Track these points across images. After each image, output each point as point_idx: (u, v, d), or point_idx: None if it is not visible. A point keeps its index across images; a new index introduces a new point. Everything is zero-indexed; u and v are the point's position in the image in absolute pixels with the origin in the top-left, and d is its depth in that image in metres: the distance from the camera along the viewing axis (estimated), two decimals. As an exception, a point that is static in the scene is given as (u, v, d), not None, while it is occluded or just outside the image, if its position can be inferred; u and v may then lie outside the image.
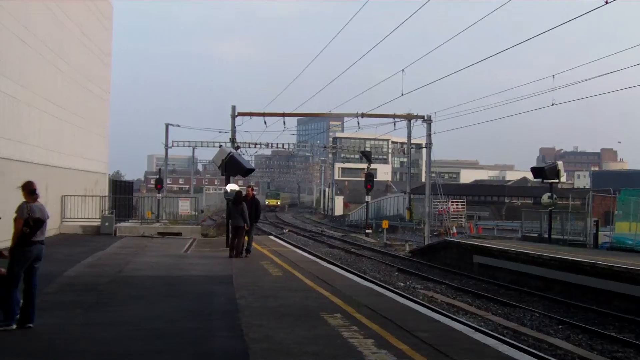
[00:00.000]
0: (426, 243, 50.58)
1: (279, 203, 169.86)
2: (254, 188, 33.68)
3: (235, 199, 29.64)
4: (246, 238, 29.60)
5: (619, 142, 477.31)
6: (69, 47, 42.22)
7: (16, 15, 33.08)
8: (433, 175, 62.71)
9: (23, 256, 13.17)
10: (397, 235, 68.20)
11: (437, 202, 66.89)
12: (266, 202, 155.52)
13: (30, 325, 13.17)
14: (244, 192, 30.98)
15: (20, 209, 13.20)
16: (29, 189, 13.44)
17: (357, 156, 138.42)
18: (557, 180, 44.05)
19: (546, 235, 42.75)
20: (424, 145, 58.24)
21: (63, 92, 40.87)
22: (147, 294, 18.63)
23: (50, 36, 38.31)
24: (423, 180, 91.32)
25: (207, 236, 42.46)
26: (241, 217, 28.75)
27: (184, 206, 65.39)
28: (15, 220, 13.16)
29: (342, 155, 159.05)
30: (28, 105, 34.79)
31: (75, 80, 43.29)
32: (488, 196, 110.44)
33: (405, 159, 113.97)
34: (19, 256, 13.16)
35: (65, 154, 41.09)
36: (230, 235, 30.45)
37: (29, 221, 13.16)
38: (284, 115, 55.41)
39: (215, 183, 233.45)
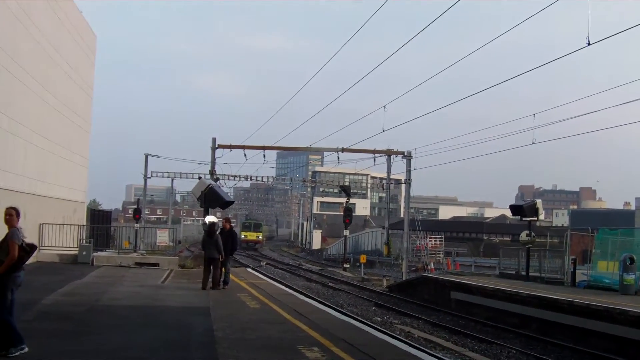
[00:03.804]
0: (404, 278, 50.63)
1: (260, 237, 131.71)
2: (232, 220, 33.45)
3: (209, 231, 29.44)
4: (223, 270, 29.43)
5: (598, 181, 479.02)
6: (55, 79, 42.40)
7: (4, 47, 33.27)
8: (412, 211, 62.84)
9: (14, 282, 13.12)
10: (375, 270, 68.11)
11: (416, 237, 66.96)
12: (242, 236, 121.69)
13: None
14: (220, 224, 30.89)
15: (14, 234, 13.06)
16: (18, 214, 13.39)
17: (336, 190, 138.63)
18: (535, 218, 44.21)
19: (524, 273, 42.80)
20: (403, 181, 58.49)
21: (47, 122, 41.03)
22: (124, 324, 18.54)
23: (37, 68, 38.49)
24: (402, 215, 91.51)
25: (184, 267, 42.27)
26: (215, 249, 28.58)
27: (162, 237, 65.17)
28: (11, 245, 12.99)
29: (321, 189, 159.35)
30: (14, 136, 34.96)
31: (59, 112, 43.39)
32: (466, 233, 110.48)
33: (384, 194, 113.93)
34: (11, 282, 13.08)
35: (47, 182, 41.05)
36: (204, 267, 30.05)
37: (24, 246, 13.09)
38: (264, 148, 55.60)
39: (193, 214, 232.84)
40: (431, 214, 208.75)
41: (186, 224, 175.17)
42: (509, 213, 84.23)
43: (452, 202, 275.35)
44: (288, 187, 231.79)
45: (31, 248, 13.26)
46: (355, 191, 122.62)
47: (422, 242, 68.74)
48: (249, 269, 51.48)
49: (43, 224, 39.98)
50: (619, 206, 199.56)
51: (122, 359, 13.65)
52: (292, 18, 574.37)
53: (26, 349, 13.13)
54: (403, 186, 60.18)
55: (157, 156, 77.17)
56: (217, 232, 29.49)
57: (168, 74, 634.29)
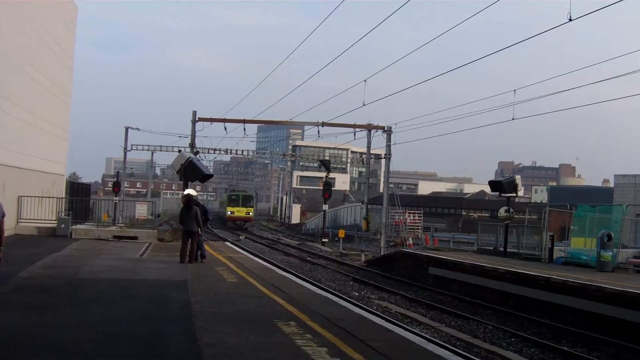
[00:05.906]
0: (382, 253, 50.76)
1: (250, 214, 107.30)
2: (211, 194, 33.34)
3: (186, 204, 29.09)
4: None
5: (577, 159, 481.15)
6: (35, 51, 41.96)
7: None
8: (391, 186, 63.03)
9: None
10: (354, 245, 68.21)
11: (395, 212, 67.20)
12: (228, 213, 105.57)
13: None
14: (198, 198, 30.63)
15: None
16: None
17: (316, 165, 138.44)
18: (514, 195, 44.38)
19: (502, 249, 43.01)
20: (383, 156, 58.56)
21: (27, 94, 40.60)
22: (102, 297, 18.50)
23: (17, 40, 38.10)
24: (381, 190, 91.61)
25: (163, 241, 42.20)
26: (195, 222, 28.32)
27: (141, 210, 65.23)
28: None
29: (301, 163, 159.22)
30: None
31: (40, 83, 42.99)
32: (445, 208, 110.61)
33: (363, 169, 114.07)
34: None
35: (26, 154, 40.74)
36: (182, 240, 29.70)
37: None
38: (244, 121, 55.48)
39: (173, 188, 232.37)
40: (410, 189, 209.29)
41: (166, 197, 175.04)
42: (488, 189, 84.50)
43: (432, 177, 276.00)
44: (268, 161, 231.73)
45: None
46: (335, 166, 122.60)
47: (401, 217, 69.02)
48: (228, 243, 51.39)
49: (22, 196, 39.75)
50: (598, 183, 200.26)
51: (101, 332, 13.61)
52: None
53: None
54: (383, 161, 60.31)
55: (138, 129, 77.06)
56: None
57: (148, 47, 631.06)
